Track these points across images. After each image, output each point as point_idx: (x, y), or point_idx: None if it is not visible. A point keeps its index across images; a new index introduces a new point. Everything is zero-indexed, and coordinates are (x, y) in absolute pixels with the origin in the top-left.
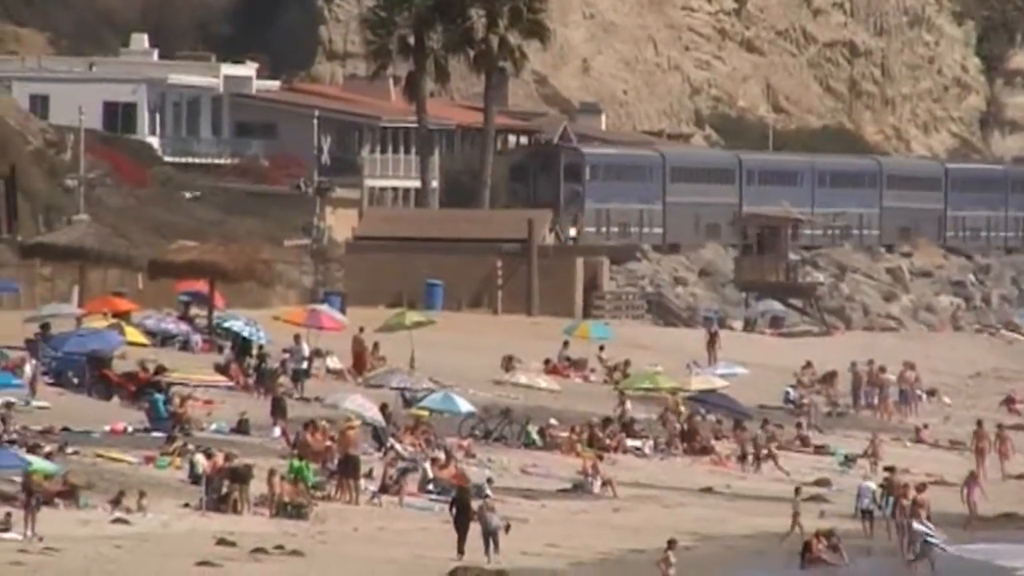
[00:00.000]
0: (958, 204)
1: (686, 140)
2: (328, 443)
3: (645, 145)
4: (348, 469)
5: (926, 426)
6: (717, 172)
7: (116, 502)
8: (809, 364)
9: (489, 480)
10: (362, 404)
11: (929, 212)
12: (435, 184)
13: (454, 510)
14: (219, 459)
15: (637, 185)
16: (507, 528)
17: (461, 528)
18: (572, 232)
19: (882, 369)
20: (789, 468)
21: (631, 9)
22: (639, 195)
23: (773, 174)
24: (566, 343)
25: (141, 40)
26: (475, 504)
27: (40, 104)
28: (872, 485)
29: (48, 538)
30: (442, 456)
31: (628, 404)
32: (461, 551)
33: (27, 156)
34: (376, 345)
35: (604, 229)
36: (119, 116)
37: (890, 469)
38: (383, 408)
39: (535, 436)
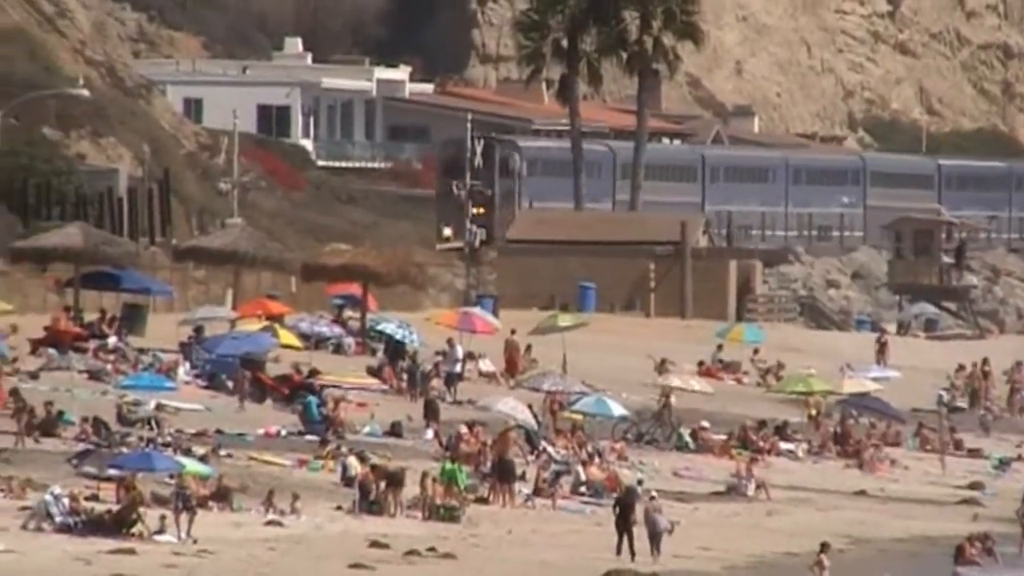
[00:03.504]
0: None
1: (839, 143)
2: (481, 445)
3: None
4: (504, 472)
5: None
6: (676, 169)
7: (268, 504)
8: (962, 367)
9: (640, 482)
10: (515, 407)
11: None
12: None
13: (617, 510)
14: (369, 472)
15: (584, 182)
16: (671, 530)
17: (622, 530)
18: (510, 232)
19: (985, 373)
20: (943, 471)
21: (784, 11)
22: (585, 193)
23: (739, 171)
24: (720, 346)
25: (295, 44)
26: (641, 506)
27: (194, 107)
28: None
29: (202, 540)
30: (591, 458)
31: (673, 398)
32: (620, 552)
33: (181, 159)
34: (529, 348)
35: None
36: (273, 119)
37: None
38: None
39: (687, 439)
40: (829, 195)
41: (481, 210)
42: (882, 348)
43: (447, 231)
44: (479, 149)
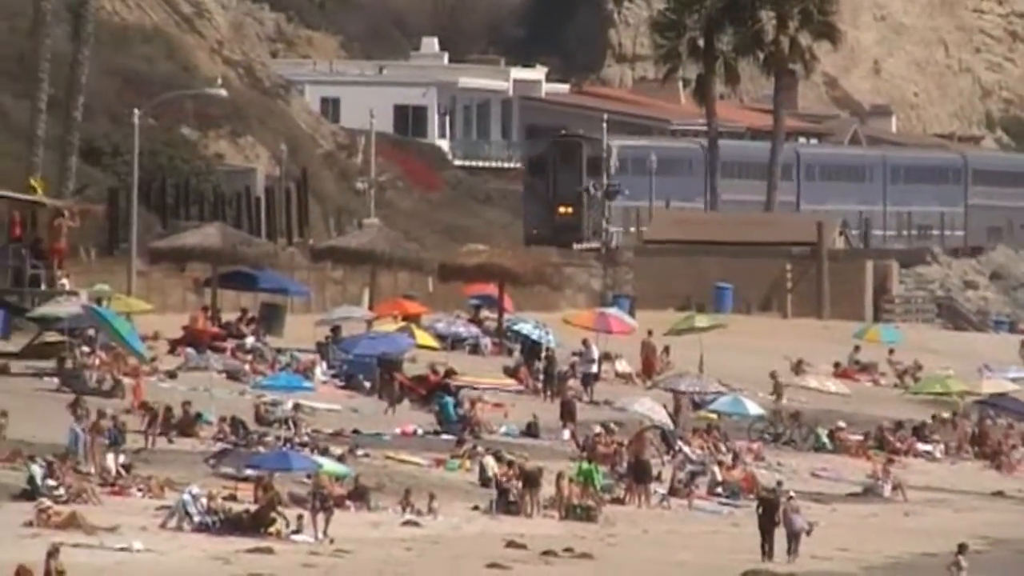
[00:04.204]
0: None
1: (976, 143)
2: (617, 446)
3: (937, 148)
4: (640, 473)
5: None
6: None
7: (405, 503)
8: None
9: (779, 483)
10: (651, 407)
11: None
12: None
13: (760, 511)
14: (507, 471)
15: (676, 180)
16: (809, 531)
17: (766, 531)
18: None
19: None
20: None
21: (922, 11)
22: (678, 191)
23: (836, 169)
24: (857, 347)
25: (431, 43)
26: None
27: (331, 107)
28: None
29: (339, 540)
30: (729, 459)
31: (784, 400)
32: (766, 553)
33: (318, 159)
34: (667, 349)
35: (633, 229)
36: (409, 119)
37: None
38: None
39: (825, 439)
40: (929, 194)
41: (569, 209)
42: None
43: (534, 230)
44: (613, 147)
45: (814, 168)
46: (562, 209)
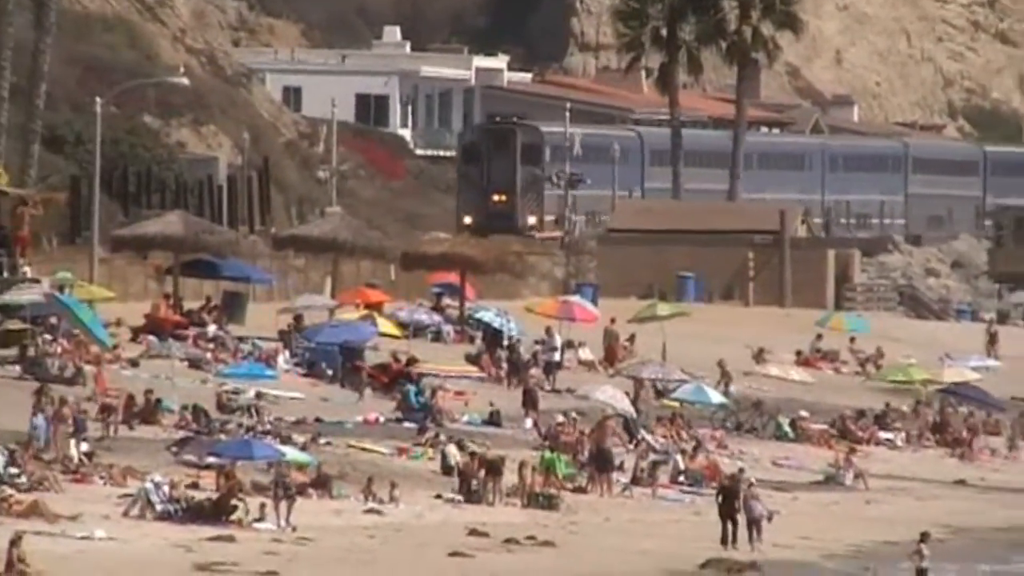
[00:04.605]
0: None
1: (938, 131)
2: (579, 434)
3: (894, 136)
4: (602, 462)
5: None
6: (711, 156)
7: (367, 491)
8: None
9: (741, 470)
10: (613, 395)
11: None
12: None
13: (720, 499)
14: (470, 460)
15: (611, 169)
16: (770, 518)
17: (726, 518)
18: (531, 221)
19: None
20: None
21: (884, 1)
22: (614, 179)
23: (775, 158)
24: (819, 335)
25: (394, 32)
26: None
27: (293, 96)
28: None
29: (302, 528)
30: (691, 448)
31: (733, 387)
32: (725, 541)
33: (280, 148)
34: (632, 337)
35: (572, 218)
36: (371, 108)
37: None
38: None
39: (787, 428)
40: (869, 182)
41: (503, 198)
42: (992, 338)
43: (467, 219)
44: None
45: (752, 157)
46: (496, 197)
